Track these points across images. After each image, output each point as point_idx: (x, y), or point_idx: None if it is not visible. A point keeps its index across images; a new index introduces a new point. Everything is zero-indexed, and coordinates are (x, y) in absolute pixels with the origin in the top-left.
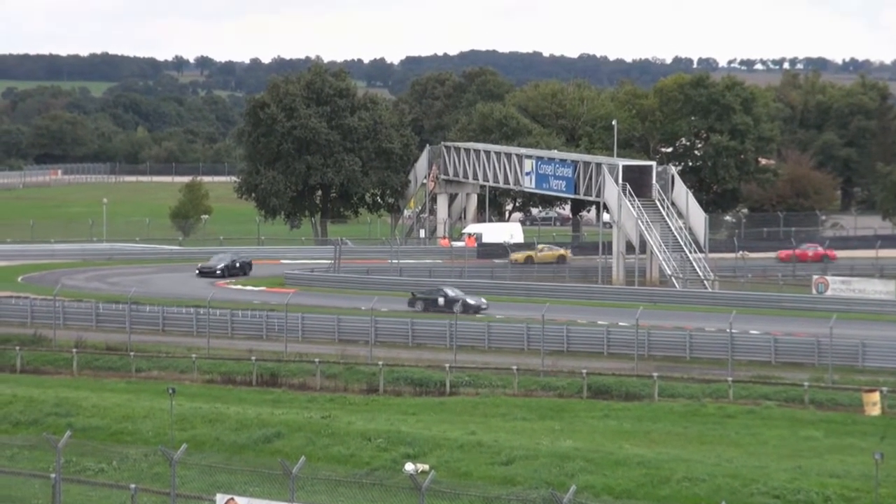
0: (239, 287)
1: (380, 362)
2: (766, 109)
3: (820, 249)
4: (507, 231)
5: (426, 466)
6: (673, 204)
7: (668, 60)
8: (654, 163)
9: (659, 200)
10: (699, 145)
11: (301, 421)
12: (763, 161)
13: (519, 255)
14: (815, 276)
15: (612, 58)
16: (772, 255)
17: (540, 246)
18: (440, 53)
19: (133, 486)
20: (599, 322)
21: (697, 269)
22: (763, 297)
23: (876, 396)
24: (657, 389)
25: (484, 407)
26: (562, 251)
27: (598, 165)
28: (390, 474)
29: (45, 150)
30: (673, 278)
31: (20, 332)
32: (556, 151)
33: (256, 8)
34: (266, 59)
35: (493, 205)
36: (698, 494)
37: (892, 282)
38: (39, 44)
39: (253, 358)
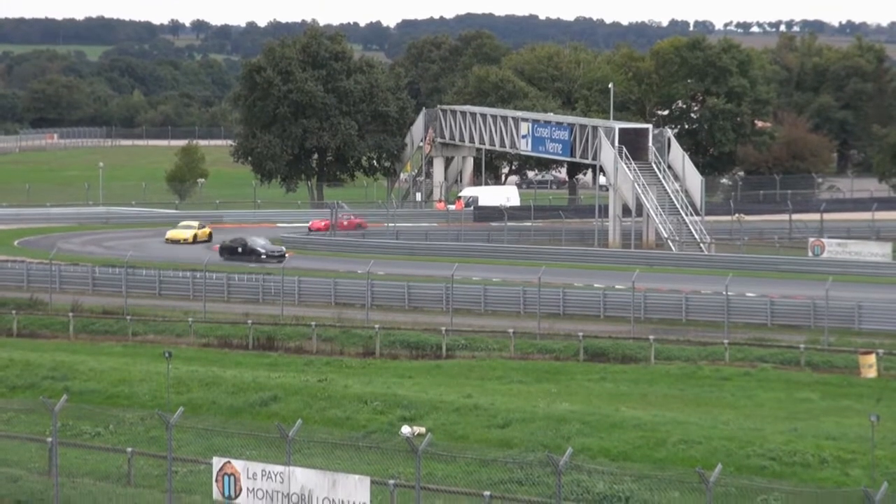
0: None
1: (376, 325)
2: (763, 72)
3: (353, 218)
4: (504, 194)
5: (423, 429)
6: (669, 167)
7: (665, 23)
8: (650, 126)
9: (655, 163)
10: (695, 108)
11: (297, 384)
12: (759, 124)
13: (186, 234)
14: (811, 239)
15: (608, 20)
16: (769, 217)
17: (197, 223)
18: (436, 16)
19: (130, 449)
20: (596, 285)
21: (694, 232)
22: (759, 260)
23: (872, 358)
24: (653, 352)
25: (480, 370)
26: (208, 229)
27: (595, 128)
28: (387, 437)
29: (40, 115)
30: (669, 241)
31: (16, 296)
32: (552, 114)
33: None
34: (262, 23)
35: (490, 168)
36: (694, 457)
37: (888, 244)
38: (35, 7)
39: (249, 321)
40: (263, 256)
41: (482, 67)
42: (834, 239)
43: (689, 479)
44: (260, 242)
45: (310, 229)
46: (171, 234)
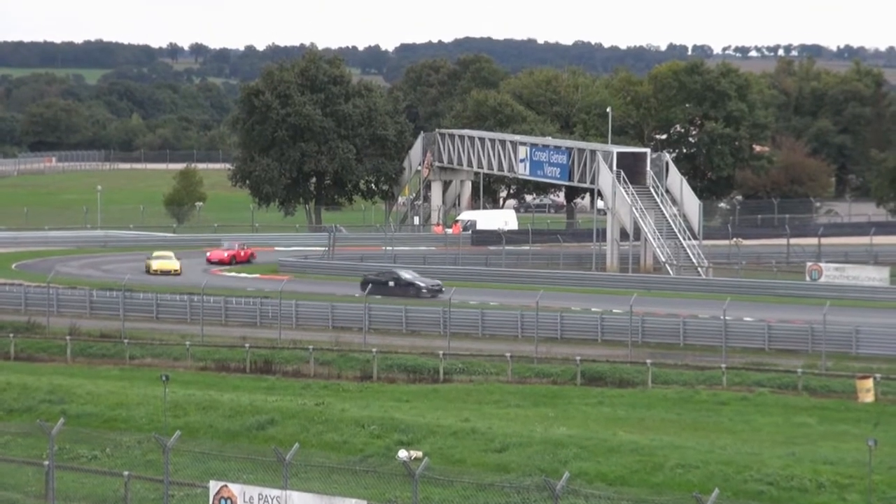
0: (233, 274)
1: (374, 349)
2: (761, 96)
3: (247, 249)
4: (502, 218)
5: (420, 453)
6: (667, 191)
7: (663, 47)
8: (648, 150)
9: (653, 187)
10: (694, 132)
11: (295, 408)
12: (757, 148)
13: (175, 265)
14: (808, 263)
15: (606, 45)
16: (769, 242)
17: (172, 253)
18: (435, 40)
19: (126, 473)
20: (593, 309)
21: (691, 256)
22: (757, 284)
23: (869, 383)
24: (651, 376)
25: (478, 394)
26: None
27: (593, 152)
28: (384, 461)
29: (39, 138)
30: (667, 265)
31: (14, 319)
32: (550, 138)
33: None
34: (260, 47)
35: (488, 192)
36: (692, 481)
37: (885, 269)
38: (33, 31)
39: (247, 345)
40: (424, 291)
41: (480, 91)
42: (832, 263)
43: None
44: (409, 276)
45: (208, 261)
46: (160, 265)
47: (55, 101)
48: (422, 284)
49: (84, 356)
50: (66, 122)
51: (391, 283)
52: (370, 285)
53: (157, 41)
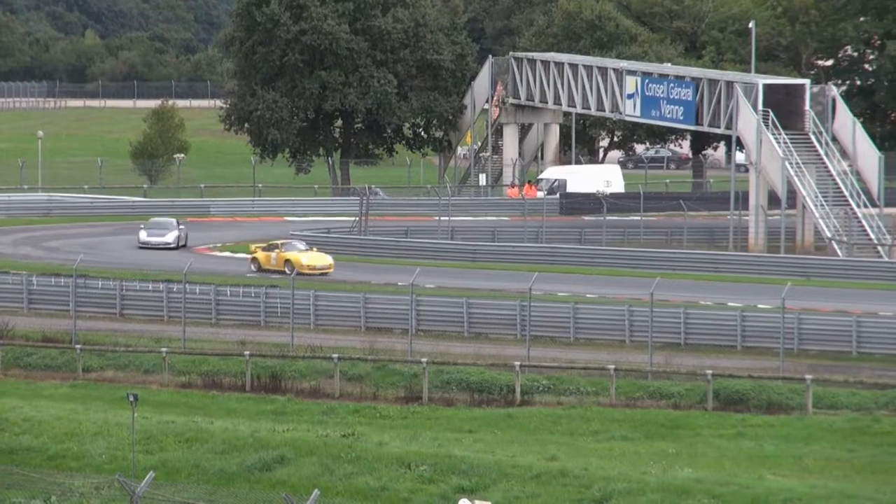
0: (228, 254)
1: (423, 359)
2: None
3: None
4: (602, 176)
5: None
6: (834, 139)
7: None
8: (807, 81)
9: (814, 134)
10: (871, 57)
11: (313, 440)
12: None
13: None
14: None
15: None
16: None
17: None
18: None
19: None
20: (730, 303)
21: (868, 230)
22: None
23: None
24: (811, 397)
25: (569, 422)
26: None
27: (730, 85)
28: None
29: None
30: (834, 242)
31: None
32: (669, 65)
33: None
34: None
35: (583, 140)
36: None
37: None
38: None
39: (246, 353)
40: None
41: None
42: None
43: None
44: None
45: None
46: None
47: None
48: None
49: (19, 367)
50: None
51: None
52: None
53: None
